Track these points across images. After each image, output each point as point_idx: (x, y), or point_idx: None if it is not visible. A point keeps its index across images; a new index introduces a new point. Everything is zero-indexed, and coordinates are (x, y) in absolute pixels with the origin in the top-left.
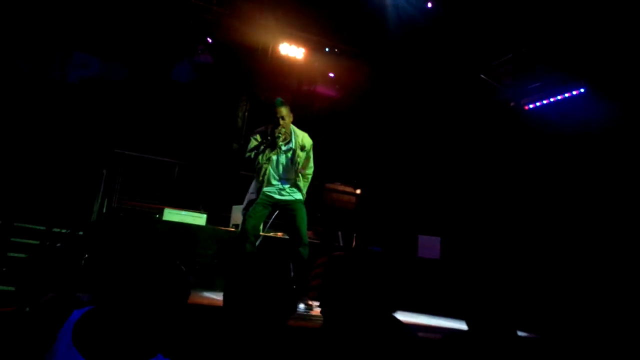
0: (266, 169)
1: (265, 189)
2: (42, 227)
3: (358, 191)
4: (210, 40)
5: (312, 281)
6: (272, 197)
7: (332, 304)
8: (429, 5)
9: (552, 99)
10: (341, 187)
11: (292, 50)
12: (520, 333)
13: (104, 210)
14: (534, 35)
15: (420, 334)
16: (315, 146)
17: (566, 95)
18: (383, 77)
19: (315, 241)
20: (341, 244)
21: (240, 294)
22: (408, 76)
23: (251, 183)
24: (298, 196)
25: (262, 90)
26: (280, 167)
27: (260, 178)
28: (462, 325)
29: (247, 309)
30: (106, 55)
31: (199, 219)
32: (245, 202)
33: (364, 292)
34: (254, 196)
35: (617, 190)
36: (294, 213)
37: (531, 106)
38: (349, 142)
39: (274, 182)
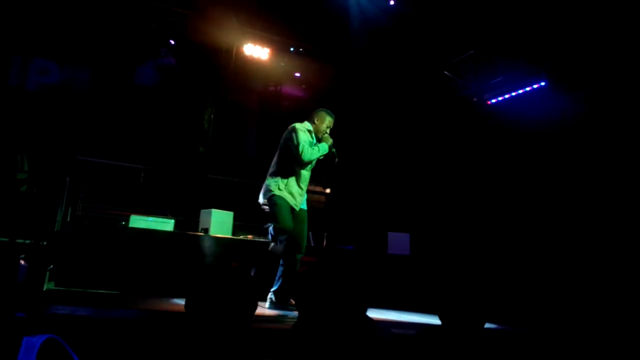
0: (298, 177)
1: (291, 201)
2: (4, 239)
3: (327, 190)
4: (173, 42)
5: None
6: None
7: (309, 303)
8: (392, 2)
9: (513, 93)
10: (310, 187)
11: (256, 51)
12: (488, 325)
13: (68, 219)
14: (494, 30)
15: (394, 330)
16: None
17: (527, 89)
18: (349, 75)
19: None
20: (312, 244)
21: (201, 298)
22: (373, 74)
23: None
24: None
25: (228, 92)
26: (307, 176)
27: (289, 185)
28: (433, 320)
29: (207, 312)
30: (67, 60)
31: (166, 224)
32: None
33: (342, 291)
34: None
35: (577, 180)
36: (304, 220)
37: (493, 101)
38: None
39: (300, 190)
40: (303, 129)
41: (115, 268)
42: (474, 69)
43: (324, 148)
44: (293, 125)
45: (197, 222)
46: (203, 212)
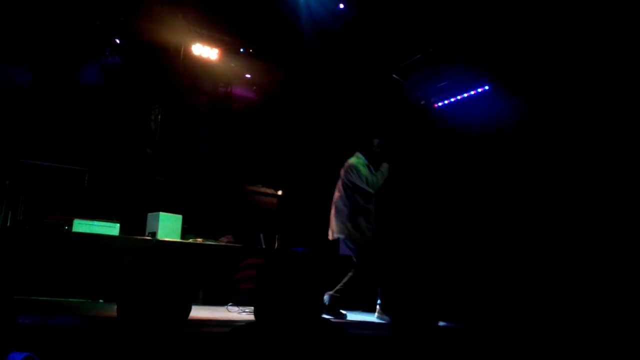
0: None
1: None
2: None
3: (279, 192)
4: (118, 42)
5: (238, 285)
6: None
7: (266, 307)
8: (341, 6)
9: (459, 97)
10: (262, 189)
11: (205, 51)
12: (441, 323)
13: (8, 224)
14: (440, 35)
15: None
16: (235, 148)
17: (472, 92)
18: (299, 77)
19: (236, 245)
20: (263, 247)
21: (132, 302)
22: (323, 77)
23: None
24: None
25: (176, 93)
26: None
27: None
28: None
29: (139, 316)
30: (5, 59)
31: (111, 228)
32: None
33: (298, 294)
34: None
35: (520, 180)
36: None
37: (440, 104)
38: (269, 143)
39: (369, 226)
40: (361, 163)
41: (58, 274)
42: (421, 72)
43: (385, 168)
44: (350, 162)
45: (144, 225)
46: (150, 215)
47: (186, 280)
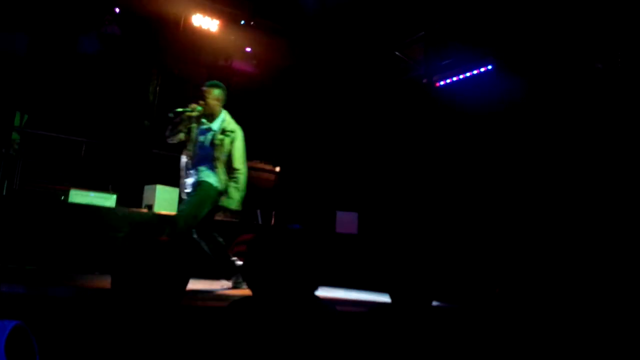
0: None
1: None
2: None
3: (277, 169)
4: (117, 10)
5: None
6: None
7: (257, 282)
8: None
9: (461, 76)
10: (260, 165)
11: (205, 22)
12: (436, 303)
13: (4, 193)
14: (445, 12)
15: (339, 308)
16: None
17: (475, 72)
18: (301, 53)
19: (233, 220)
20: (260, 222)
21: (127, 274)
22: (326, 52)
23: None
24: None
25: (175, 64)
26: (197, 152)
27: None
28: (380, 298)
29: (134, 288)
30: (2, 25)
31: (108, 200)
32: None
33: (289, 270)
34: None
35: (519, 162)
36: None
37: (442, 83)
38: (268, 119)
39: (190, 171)
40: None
41: (53, 244)
42: (425, 50)
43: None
44: None
45: (140, 197)
46: (147, 187)
47: (184, 254)
